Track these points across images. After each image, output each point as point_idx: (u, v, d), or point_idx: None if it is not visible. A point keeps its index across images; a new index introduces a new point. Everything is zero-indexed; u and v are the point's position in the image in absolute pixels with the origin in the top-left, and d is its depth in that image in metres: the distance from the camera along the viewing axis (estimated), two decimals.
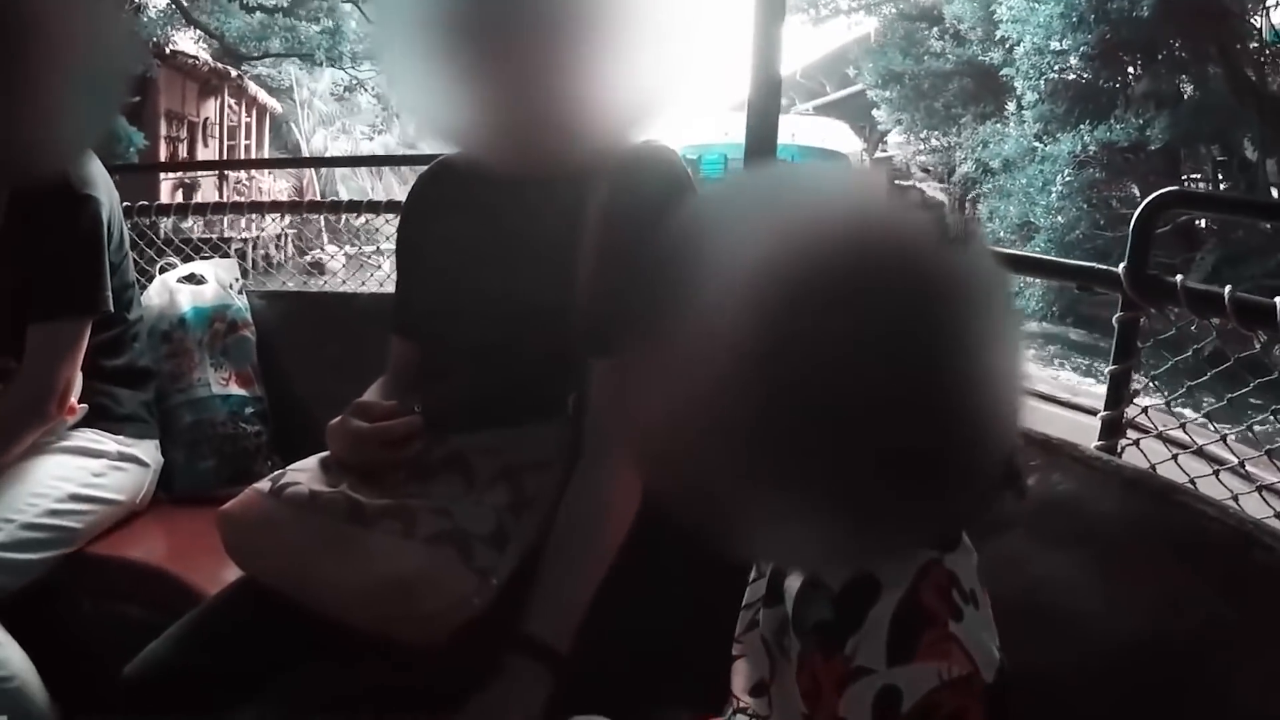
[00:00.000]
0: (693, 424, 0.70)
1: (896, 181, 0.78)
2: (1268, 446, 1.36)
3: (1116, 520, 1.16)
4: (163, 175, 13.65)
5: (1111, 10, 12.89)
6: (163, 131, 16.37)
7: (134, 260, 1.99)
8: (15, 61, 1.03)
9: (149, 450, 1.89)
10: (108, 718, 1.17)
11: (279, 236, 13.16)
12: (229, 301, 2.18)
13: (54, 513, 1.65)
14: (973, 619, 0.78)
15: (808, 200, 0.74)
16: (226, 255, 2.57)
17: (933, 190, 0.76)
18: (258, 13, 17.59)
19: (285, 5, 17.75)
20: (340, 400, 1.29)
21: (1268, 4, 13.11)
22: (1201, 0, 12.53)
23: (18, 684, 1.49)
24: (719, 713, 1.02)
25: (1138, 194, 13.68)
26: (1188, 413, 1.51)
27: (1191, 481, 1.27)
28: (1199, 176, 14.43)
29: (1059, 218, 13.30)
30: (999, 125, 14.80)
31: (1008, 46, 14.12)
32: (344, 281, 2.69)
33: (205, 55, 17.93)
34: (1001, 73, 14.57)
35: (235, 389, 2.09)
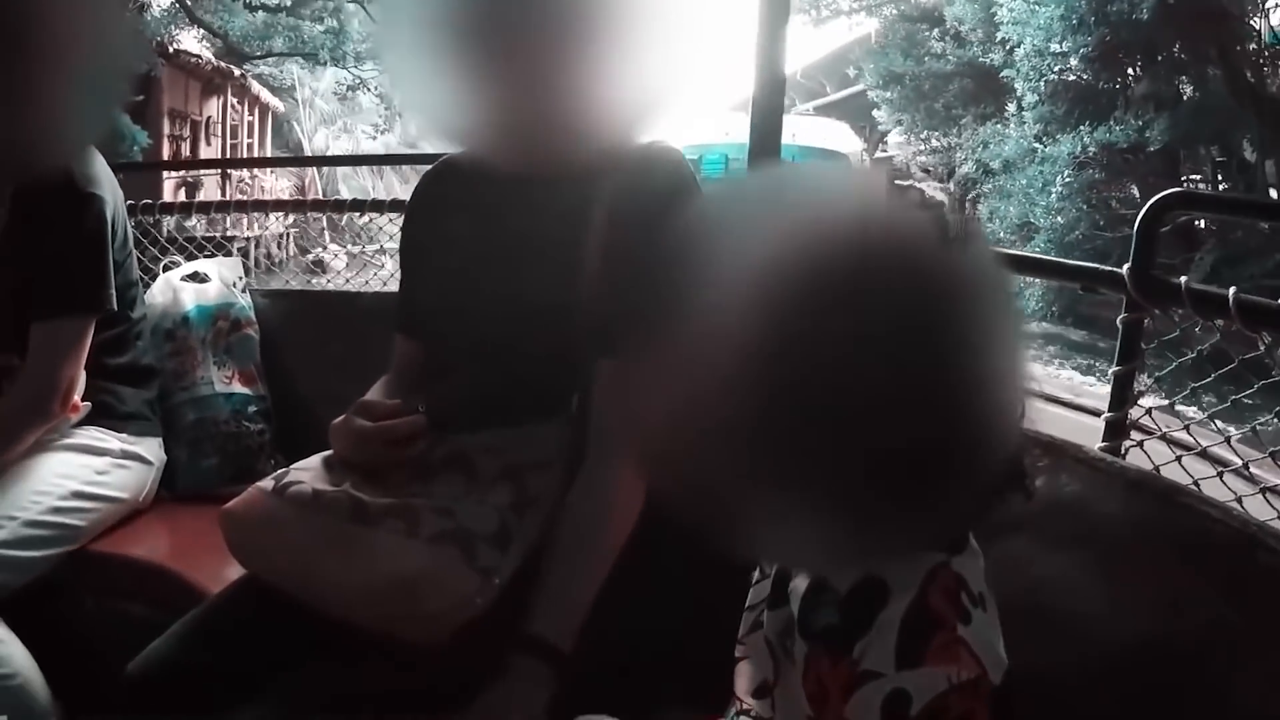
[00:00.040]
0: (697, 424, 0.70)
1: (896, 181, 0.78)
2: (1271, 448, 1.36)
3: (1120, 522, 1.16)
4: (166, 174, 13.64)
5: (1111, 13, 12.88)
6: (166, 130, 16.36)
7: (137, 259, 1.99)
8: (18, 59, 1.03)
9: (152, 448, 1.89)
10: (110, 715, 1.18)
11: (281, 236, 13.18)
12: (232, 300, 2.18)
13: (57, 510, 1.65)
14: (981, 621, 0.78)
15: (811, 200, 0.74)
16: (230, 254, 2.57)
17: (932, 190, 0.76)
18: (260, 12, 17.59)
19: (288, 4, 17.75)
20: (343, 399, 1.29)
21: (1267, 6, 13.13)
22: (1201, 2, 12.55)
23: (20, 681, 1.49)
24: (721, 713, 1.02)
25: (1137, 195, 13.79)
26: (1189, 411, 1.51)
27: (1195, 484, 1.27)
28: (1199, 178, 14.44)
29: (1059, 218, 13.30)
30: (999, 126, 14.79)
31: (1008, 48, 14.11)
32: (347, 281, 2.69)
33: (208, 54, 17.94)
34: (1002, 74, 14.55)
35: (238, 387, 2.09)
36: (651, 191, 1.23)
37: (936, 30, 16.81)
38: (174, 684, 1.16)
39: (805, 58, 21.74)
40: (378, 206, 2.55)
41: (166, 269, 2.28)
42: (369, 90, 19.16)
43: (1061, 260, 1.68)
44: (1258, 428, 1.42)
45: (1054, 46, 13.52)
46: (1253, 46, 13.39)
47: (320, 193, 17.87)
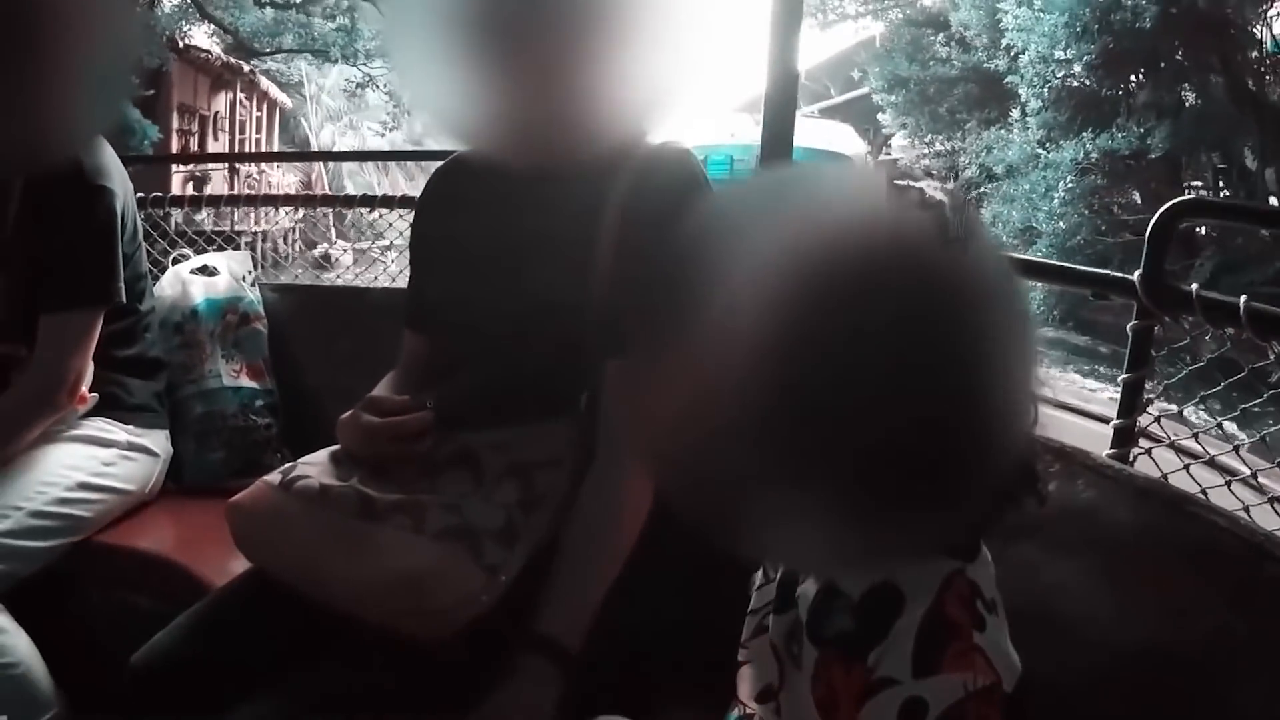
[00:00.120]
0: (707, 425, 0.70)
1: (896, 181, 0.78)
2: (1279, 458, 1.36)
3: (1128, 529, 1.15)
4: (174, 169, 13.66)
5: (1114, 21, 12.94)
6: (175, 125, 16.40)
7: (146, 252, 1.99)
8: (27, 51, 1.03)
9: (159, 440, 1.89)
10: (113, 706, 1.17)
11: (288, 231, 13.19)
12: (241, 294, 2.18)
13: (63, 501, 1.65)
14: (994, 628, 0.78)
15: (821, 200, 0.74)
16: (238, 248, 2.57)
17: (933, 190, 0.76)
18: (270, 8, 17.64)
19: (298, 1, 17.80)
20: (351, 394, 1.30)
21: (1269, 14, 13.16)
22: (1203, 11, 12.63)
23: (23, 671, 1.49)
24: (723, 715, 1.02)
25: (1139, 201, 14.02)
26: (1193, 416, 1.50)
27: (1203, 492, 1.27)
28: (1200, 184, 14.50)
29: (1061, 223, 13.38)
30: (1003, 131, 14.91)
31: (1013, 54, 14.19)
32: (356, 276, 2.69)
33: (217, 50, 17.98)
34: (1006, 80, 14.64)
35: (246, 381, 2.09)
36: (662, 191, 1.23)
37: (941, 35, 16.88)
38: (177, 677, 1.16)
39: (809, 60, 21.76)
40: (387, 202, 2.56)
41: (176, 262, 2.27)
42: (378, 88, 19.19)
43: (1072, 266, 1.67)
44: (1267, 438, 1.41)
45: (1058, 53, 13.60)
46: (1254, 55, 13.44)
47: (326, 188, 17.91)
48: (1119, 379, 1.49)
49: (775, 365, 0.65)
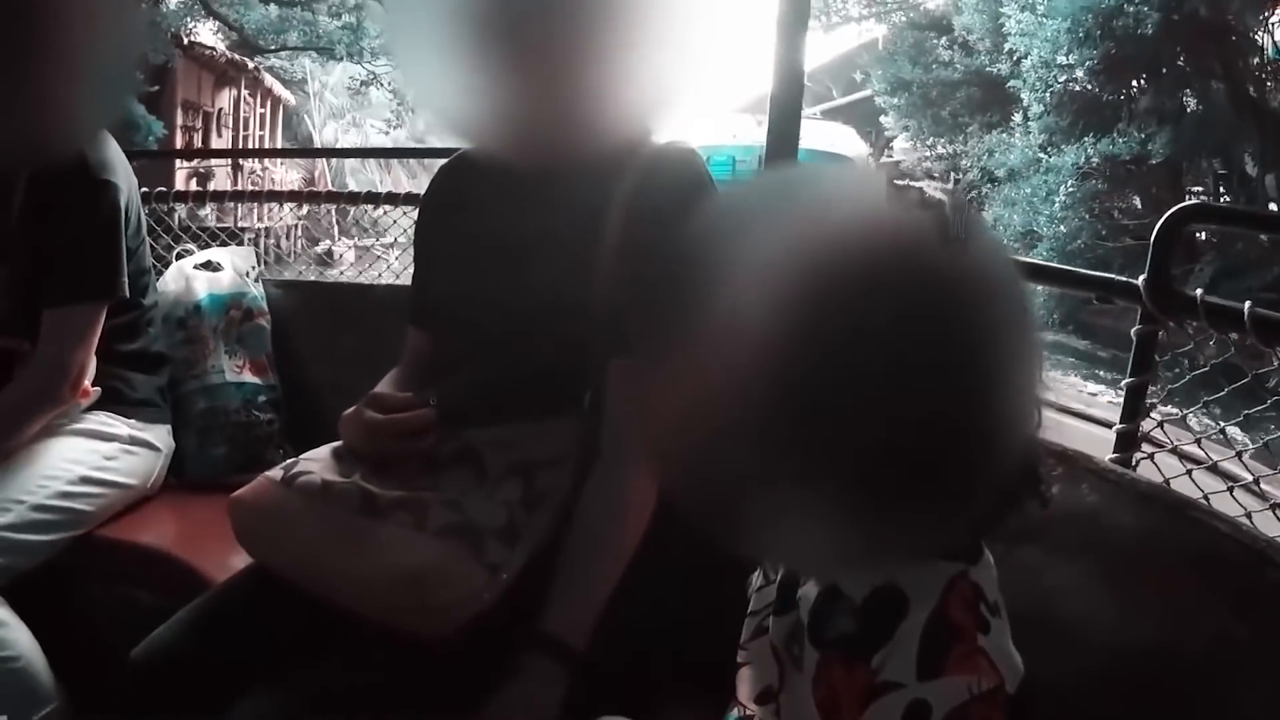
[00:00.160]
0: (710, 426, 0.70)
1: (895, 181, 0.78)
2: None
3: (1130, 534, 1.15)
4: (178, 165, 13.68)
5: (1117, 27, 13.07)
6: (179, 121, 16.41)
7: (150, 247, 1.99)
8: (31, 45, 1.03)
9: (161, 435, 1.90)
10: (113, 701, 1.18)
11: (290, 228, 13.19)
12: (245, 289, 2.18)
13: (65, 495, 1.65)
14: (998, 630, 0.78)
15: (824, 200, 0.74)
16: (242, 244, 2.57)
17: (932, 190, 0.76)
18: (273, 5, 17.65)
19: None
20: (354, 391, 1.30)
21: (1270, 21, 13.22)
22: (1205, 18, 12.72)
23: (23, 665, 1.49)
24: (721, 716, 1.02)
25: (1139, 205, 14.19)
26: (1194, 423, 1.50)
27: (1205, 498, 1.27)
28: (1200, 190, 14.61)
29: (1061, 227, 13.50)
30: (1005, 135, 15.03)
31: (1015, 59, 14.35)
32: (360, 273, 2.69)
33: (221, 46, 18.00)
34: (1009, 84, 14.80)
35: (249, 377, 2.09)
36: (668, 190, 1.23)
37: (945, 39, 16.94)
38: (177, 672, 1.16)
39: (812, 62, 21.75)
40: (392, 199, 2.55)
41: (179, 257, 2.27)
42: (382, 86, 19.20)
43: (1077, 270, 1.66)
44: (1269, 444, 1.41)
45: (1060, 59, 13.77)
46: (1255, 61, 13.52)
47: (329, 186, 17.92)
48: (1121, 383, 1.48)
49: (779, 365, 0.65)
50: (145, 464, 1.84)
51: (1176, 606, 1.07)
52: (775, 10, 1.81)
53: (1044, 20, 13.60)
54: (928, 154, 18.17)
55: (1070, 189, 13.42)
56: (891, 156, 20.33)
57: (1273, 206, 13.55)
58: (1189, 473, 1.40)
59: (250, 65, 18.80)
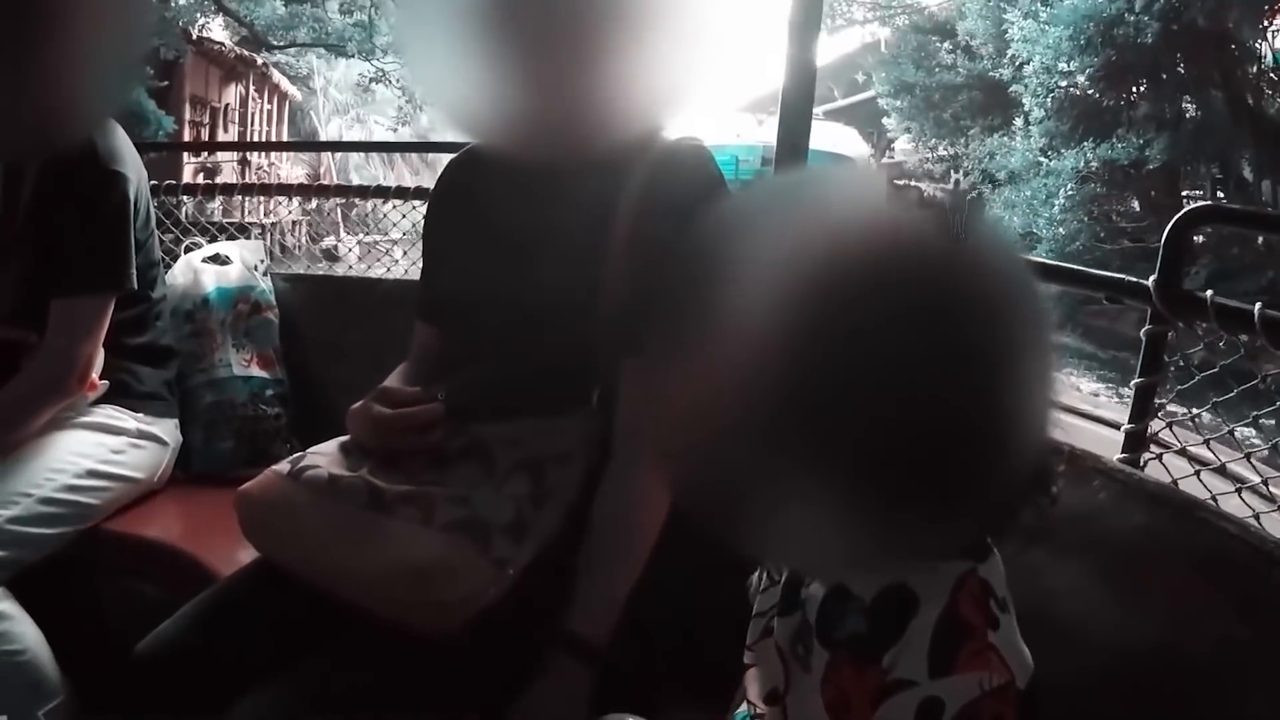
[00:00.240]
0: (721, 426, 0.70)
1: (895, 181, 0.77)
2: None
3: (1138, 534, 1.15)
4: (185, 160, 13.68)
5: (1117, 35, 13.22)
6: (187, 116, 16.44)
7: (159, 240, 1.99)
8: (36, 32, 1.03)
9: (168, 429, 1.90)
10: (118, 694, 1.18)
11: (295, 224, 13.20)
12: (253, 283, 2.18)
13: (72, 488, 1.65)
14: (1007, 626, 0.78)
15: (836, 201, 0.74)
16: (250, 238, 2.57)
17: (932, 190, 0.76)
18: (280, 1, 17.67)
19: None
20: (361, 385, 1.30)
21: (1269, 30, 13.29)
22: (1204, 28, 12.83)
23: (29, 658, 1.49)
24: (725, 715, 1.02)
25: (1137, 209, 14.41)
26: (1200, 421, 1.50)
27: (1213, 498, 1.27)
28: (1199, 194, 14.72)
29: (1061, 229, 13.61)
30: (1006, 138, 15.18)
31: (1017, 64, 14.49)
32: (368, 268, 2.69)
33: (230, 42, 18.03)
34: (1010, 89, 14.93)
35: (257, 371, 2.09)
36: (679, 187, 1.23)
37: (948, 43, 17.00)
38: (183, 664, 1.17)
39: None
40: (401, 193, 2.55)
41: (188, 250, 2.28)
42: (390, 83, 19.20)
43: (1086, 270, 1.65)
44: (1278, 444, 1.40)
45: (1062, 65, 13.91)
46: (1254, 69, 13.62)
47: (334, 181, 17.90)
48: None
49: (791, 366, 0.65)
50: (152, 458, 1.84)
51: (1183, 607, 1.06)
52: (784, 11, 1.81)
53: (1046, 27, 13.75)
54: (929, 156, 18.21)
55: (1070, 192, 13.57)
56: (893, 158, 20.36)
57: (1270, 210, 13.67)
58: (1197, 473, 1.39)
59: (258, 61, 18.83)
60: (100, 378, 1.75)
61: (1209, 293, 1.33)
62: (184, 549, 1.66)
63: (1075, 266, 1.71)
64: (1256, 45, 13.70)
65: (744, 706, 0.98)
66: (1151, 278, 1.40)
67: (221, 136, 18.09)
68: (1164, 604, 1.08)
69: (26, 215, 1.66)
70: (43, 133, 1.20)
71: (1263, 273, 11.54)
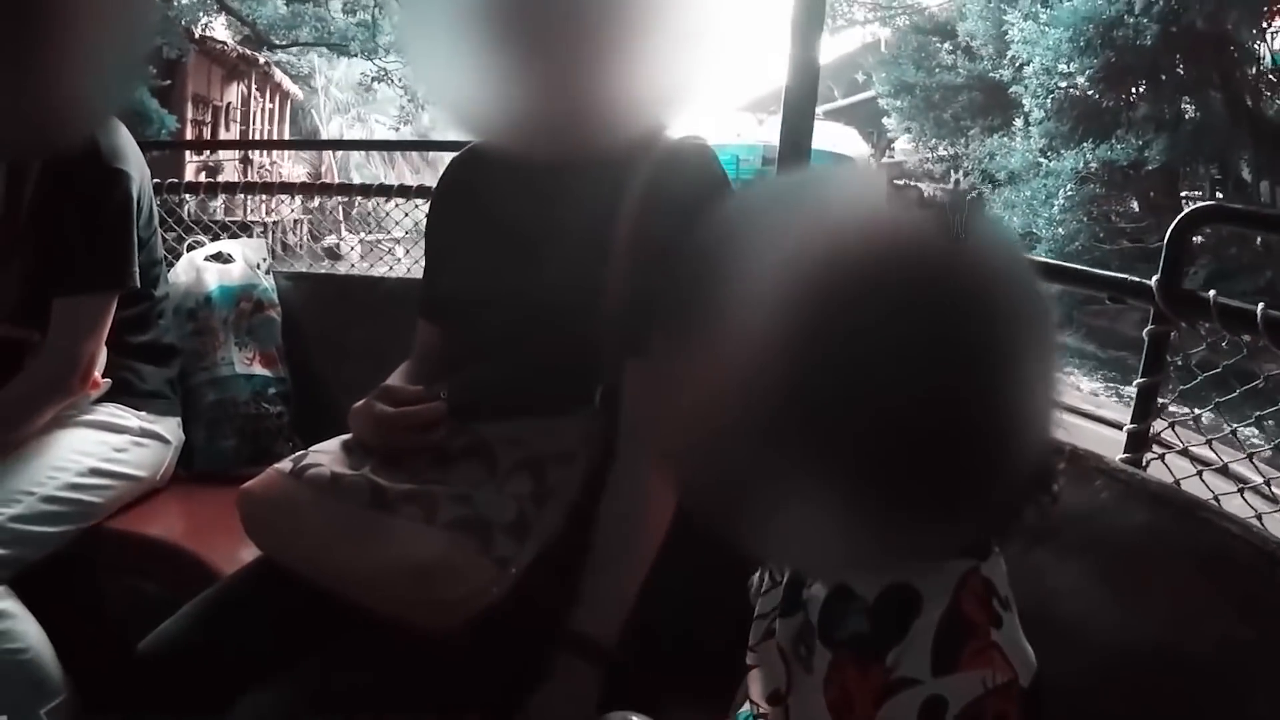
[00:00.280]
0: (725, 427, 0.70)
1: (895, 181, 0.78)
2: None
3: (1140, 534, 1.15)
4: (187, 158, 13.69)
5: (1117, 37, 13.39)
6: (189, 115, 16.45)
7: (161, 238, 1.99)
8: (37, 30, 1.03)
9: (171, 427, 1.90)
10: (121, 692, 1.18)
11: (296, 223, 13.22)
12: (256, 281, 2.18)
13: (74, 487, 1.65)
14: (1010, 625, 0.78)
15: (839, 201, 0.74)
16: (252, 237, 2.58)
17: (931, 190, 0.76)
18: (281, 1, 17.69)
19: None
20: (364, 384, 1.29)
21: (1268, 32, 13.34)
22: (1203, 30, 12.92)
23: (31, 656, 1.49)
24: (726, 715, 1.02)
25: (1136, 209, 14.59)
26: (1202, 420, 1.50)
27: (1216, 499, 1.27)
28: (1198, 194, 14.79)
29: (1060, 230, 13.77)
30: (1005, 139, 15.34)
31: (1017, 65, 14.68)
32: (371, 267, 2.69)
33: (232, 41, 18.04)
34: (1010, 89, 15.11)
35: (259, 369, 2.09)
36: (683, 185, 1.23)
37: (948, 44, 17.07)
38: (185, 663, 1.17)
39: None
40: (404, 192, 2.55)
41: (190, 249, 2.28)
42: (393, 82, 19.21)
43: (1089, 270, 1.65)
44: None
45: (1062, 66, 14.09)
46: (1253, 71, 13.69)
47: (336, 181, 17.92)
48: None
49: (794, 366, 0.65)
50: (155, 456, 1.84)
51: (1185, 607, 1.06)
52: (787, 10, 1.81)
53: (1046, 29, 13.91)
54: (929, 156, 18.25)
55: (1069, 193, 13.73)
56: (893, 158, 20.39)
57: None
58: (1199, 473, 1.39)
59: (261, 60, 18.84)
60: (103, 376, 1.75)
61: (1211, 293, 1.33)
62: (186, 547, 1.66)
63: (1078, 266, 1.71)
64: (1255, 47, 13.83)
65: (746, 706, 0.98)
66: (1154, 277, 1.40)
67: (223, 135, 18.11)
68: (1166, 604, 1.08)
69: (29, 214, 1.66)
70: (45, 131, 1.20)
71: (1261, 273, 11.64)
